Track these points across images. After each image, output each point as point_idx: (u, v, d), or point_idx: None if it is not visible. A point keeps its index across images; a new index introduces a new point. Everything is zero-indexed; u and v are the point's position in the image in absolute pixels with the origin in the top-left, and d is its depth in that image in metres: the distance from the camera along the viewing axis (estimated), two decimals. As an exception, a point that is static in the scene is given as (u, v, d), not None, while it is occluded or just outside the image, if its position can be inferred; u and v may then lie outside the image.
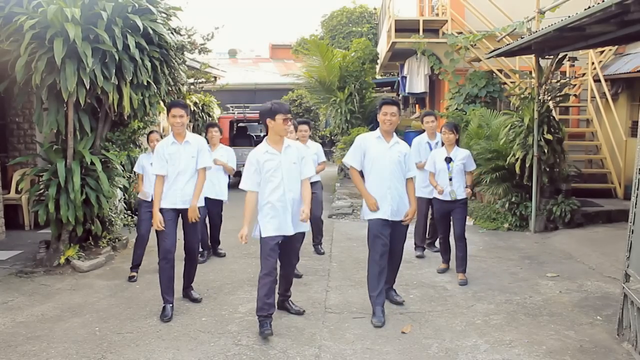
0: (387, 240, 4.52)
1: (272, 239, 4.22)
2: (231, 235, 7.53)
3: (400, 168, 4.60)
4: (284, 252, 4.38)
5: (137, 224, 5.85)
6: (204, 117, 13.45)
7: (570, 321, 4.46)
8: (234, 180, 13.65)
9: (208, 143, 6.45)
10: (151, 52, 5.98)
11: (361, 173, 4.69)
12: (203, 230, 6.16)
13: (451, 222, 5.69)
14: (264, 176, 4.25)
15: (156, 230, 5.67)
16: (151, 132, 6.11)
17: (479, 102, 10.04)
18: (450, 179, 5.51)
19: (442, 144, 5.83)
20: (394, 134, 4.70)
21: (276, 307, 4.47)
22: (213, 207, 6.44)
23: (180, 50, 7.08)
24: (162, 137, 5.70)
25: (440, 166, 5.59)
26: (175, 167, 4.73)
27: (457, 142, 5.73)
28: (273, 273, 4.22)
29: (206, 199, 5.98)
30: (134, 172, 7.22)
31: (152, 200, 5.55)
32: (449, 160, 5.53)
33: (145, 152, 6.07)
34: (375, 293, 4.50)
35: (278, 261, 4.38)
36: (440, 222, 5.80)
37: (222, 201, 6.54)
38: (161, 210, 4.69)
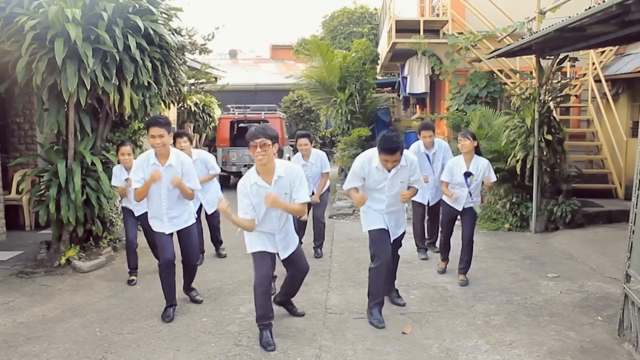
0: (389, 247, 4.50)
1: (260, 253, 4.06)
2: (231, 236, 7.53)
3: (399, 193, 4.42)
4: (290, 264, 4.26)
5: (125, 231, 5.73)
6: (205, 118, 13.48)
7: (570, 321, 4.45)
8: (234, 181, 13.64)
9: None
10: (152, 52, 5.98)
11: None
12: (199, 245, 5.91)
13: (457, 224, 5.66)
14: (254, 204, 3.96)
15: (149, 242, 5.64)
16: (121, 143, 5.71)
17: (479, 103, 10.02)
18: (470, 194, 5.36)
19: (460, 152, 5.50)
20: None
21: (278, 305, 4.50)
22: (209, 215, 6.39)
23: (181, 51, 7.09)
24: (134, 150, 5.54)
25: (459, 180, 5.36)
26: (156, 192, 4.49)
27: (478, 150, 5.44)
28: (268, 278, 4.07)
29: (201, 209, 5.97)
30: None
31: (137, 214, 5.56)
32: (468, 174, 5.28)
33: (119, 164, 5.71)
34: (375, 302, 4.47)
35: (285, 268, 4.33)
36: (446, 224, 5.70)
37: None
38: (154, 231, 4.65)
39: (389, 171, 4.30)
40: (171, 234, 4.66)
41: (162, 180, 4.43)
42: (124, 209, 5.74)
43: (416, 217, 6.48)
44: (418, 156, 6.22)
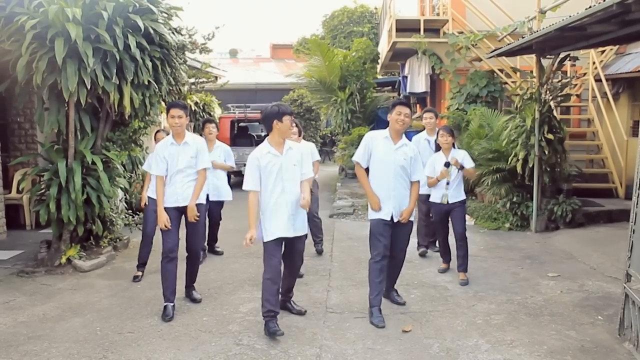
0: (388, 242, 4.52)
1: (274, 241, 4.22)
2: (232, 235, 7.54)
3: (405, 171, 4.58)
4: (287, 253, 4.37)
5: (143, 223, 5.85)
6: (205, 117, 13.45)
7: (571, 321, 4.45)
8: (235, 180, 13.61)
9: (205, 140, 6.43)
10: (152, 51, 5.98)
11: (367, 170, 4.69)
12: (204, 231, 6.12)
13: (450, 223, 5.68)
14: (264, 177, 4.23)
15: (161, 230, 5.68)
16: (157, 131, 6.16)
17: (480, 102, 10.03)
18: (448, 183, 5.49)
19: (439, 148, 5.72)
20: (403, 135, 4.68)
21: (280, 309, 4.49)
22: (214, 207, 6.46)
23: (181, 50, 7.08)
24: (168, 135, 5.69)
25: (440, 170, 5.52)
26: (174, 167, 4.75)
27: (454, 145, 5.69)
28: (277, 275, 4.20)
29: (209, 200, 5.98)
30: (135, 172, 7.23)
31: None
32: (447, 165, 5.47)
33: (153, 153, 6.02)
34: (375, 294, 4.50)
35: (282, 262, 4.37)
36: (438, 224, 5.78)
37: (223, 202, 6.56)
38: (165, 209, 4.72)
39: (396, 143, 4.58)
40: (177, 226, 4.76)
41: (179, 158, 4.75)
42: (150, 199, 5.71)
43: (420, 213, 6.48)
44: (419, 144, 6.34)
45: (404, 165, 4.57)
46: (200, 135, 7.31)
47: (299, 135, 5.98)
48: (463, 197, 5.61)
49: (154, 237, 5.78)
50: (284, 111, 4.24)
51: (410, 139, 6.40)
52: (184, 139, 4.81)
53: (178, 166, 4.75)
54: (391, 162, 4.54)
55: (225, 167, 6.52)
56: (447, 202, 5.52)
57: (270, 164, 4.22)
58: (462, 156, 5.58)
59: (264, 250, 4.24)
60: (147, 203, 5.80)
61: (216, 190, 6.32)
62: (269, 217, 4.23)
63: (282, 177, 4.22)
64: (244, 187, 4.27)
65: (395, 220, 4.55)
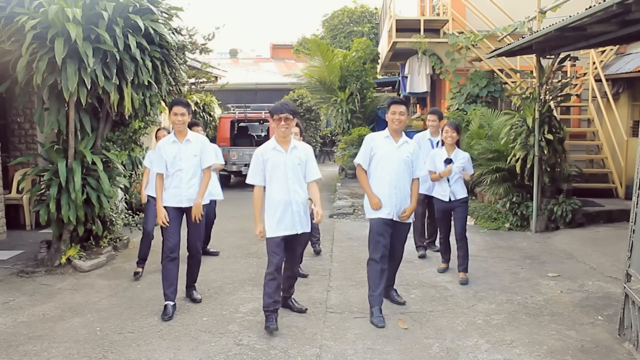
0: (388, 241, 4.53)
1: (277, 238, 4.27)
2: (233, 235, 7.55)
3: (407, 168, 4.59)
4: (288, 250, 4.40)
5: (144, 220, 5.89)
6: (205, 117, 13.46)
7: (571, 321, 4.45)
8: (235, 180, 13.59)
9: None
10: (152, 52, 5.98)
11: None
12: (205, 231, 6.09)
13: (452, 221, 5.69)
14: (268, 174, 4.30)
15: (161, 228, 5.67)
16: (158, 129, 6.19)
17: (480, 102, 10.04)
18: (448, 180, 5.51)
19: (442, 144, 5.73)
20: (403, 133, 4.70)
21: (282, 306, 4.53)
22: (208, 207, 6.38)
23: (182, 50, 7.09)
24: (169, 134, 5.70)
25: (440, 168, 5.55)
26: (177, 166, 4.73)
27: (458, 143, 5.69)
28: (279, 270, 4.28)
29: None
30: (135, 172, 7.22)
31: None
32: (449, 161, 5.49)
33: (152, 150, 5.99)
34: (376, 293, 4.51)
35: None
36: (441, 221, 5.79)
37: (215, 201, 6.48)
38: (165, 207, 4.73)
39: (397, 141, 4.60)
40: (179, 225, 4.77)
41: (181, 157, 4.74)
42: (150, 197, 5.78)
43: (416, 215, 6.47)
44: (422, 142, 6.33)
45: (407, 162, 4.59)
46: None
47: (300, 136, 5.96)
48: (465, 193, 5.60)
49: (154, 235, 5.77)
50: (271, 111, 4.41)
51: (410, 138, 6.44)
52: (186, 137, 4.81)
53: (180, 165, 4.74)
54: (394, 160, 4.55)
55: (218, 167, 6.48)
56: (455, 198, 5.52)
57: (274, 160, 4.28)
58: (463, 159, 5.54)
59: (267, 245, 4.30)
60: (148, 200, 5.83)
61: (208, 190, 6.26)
62: (272, 214, 4.29)
63: (286, 174, 4.28)
64: (247, 181, 4.39)
65: (395, 218, 4.56)
